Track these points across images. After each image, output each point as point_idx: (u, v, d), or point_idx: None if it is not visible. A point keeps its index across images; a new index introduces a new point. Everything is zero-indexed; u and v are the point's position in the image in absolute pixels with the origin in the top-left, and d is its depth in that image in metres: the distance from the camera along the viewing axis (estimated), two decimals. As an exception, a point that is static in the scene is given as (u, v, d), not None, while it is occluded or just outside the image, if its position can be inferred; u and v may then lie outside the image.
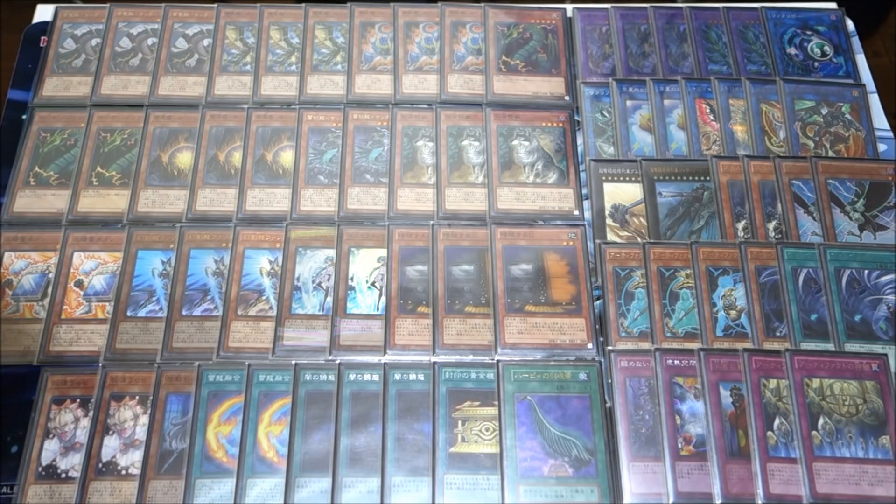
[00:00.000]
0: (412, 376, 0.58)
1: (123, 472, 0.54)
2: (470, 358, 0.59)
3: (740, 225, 0.64)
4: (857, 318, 0.60)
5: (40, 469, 0.54)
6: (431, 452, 0.55)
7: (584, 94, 0.70)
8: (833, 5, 0.77)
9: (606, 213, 0.65)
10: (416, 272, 0.62)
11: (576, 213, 0.65)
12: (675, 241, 0.63)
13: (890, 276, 0.61)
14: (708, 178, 0.66)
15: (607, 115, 0.69)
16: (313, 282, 0.61)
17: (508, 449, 0.55)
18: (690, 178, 0.66)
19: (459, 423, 0.56)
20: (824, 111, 0.70)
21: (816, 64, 0.72)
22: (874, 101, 0.70)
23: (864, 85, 0.71)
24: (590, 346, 0.59)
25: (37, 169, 0.66)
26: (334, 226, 0.63)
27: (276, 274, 0.61)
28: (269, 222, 0.64)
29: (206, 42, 0.72)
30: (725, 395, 0.57)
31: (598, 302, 0.61)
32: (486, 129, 0.68)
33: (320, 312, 0.60)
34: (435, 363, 0.58)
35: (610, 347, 0.59)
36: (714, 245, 0.63)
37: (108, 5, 0.74)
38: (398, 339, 0.59)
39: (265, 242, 0.63)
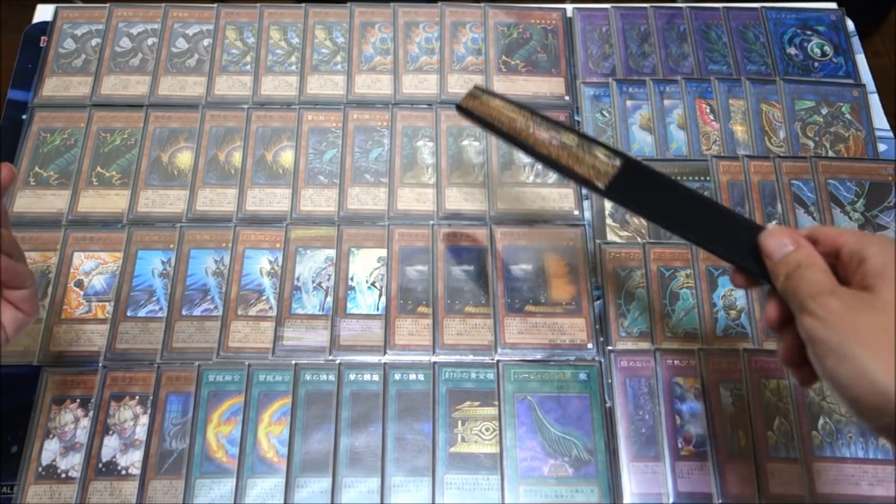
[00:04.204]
0: (412, 376, 0.58)
1: (123, 472, 0.54)
2: (470, 358, 0.59)
3: (740, 225, 0.64)
4: (857, 318, 0.60)
5: (40, 469, 0.54)
6: (431, 452, 0.55)
7: (584, 94, 0.70)
8: (833, 5, 0.77)
9: (606, 213, 0.65)
10: (416, 272, 0.62)
11: (576, 213, 0.65)
12: (676, 241, 0.63)
13: (890, 276, 0.61)
14: (708, 178, 0.66)
15: (607, 115, 0.69)
16: (313, 282, 0.61)
17: (508, 449, 0.55)
18: (690, 178, 0.66)
19: (459, 423, 0.56)
20: (824, 111, 0.70)
21: (816, 64, 0.72)
22: (874, 101, 0.70)
23: (864, 85, 0.71)
24: (590, 346, 0.59)
25: (37, 169, 0.66)
26: (334, 226, 0.63)
27: (276, 274, 0.61)
28: (269, 222, 0.64)
29: (206, 42, 0.72)
30: (725, 395, 0.57)
31: (598, 302, 0.61)
32: (486, 129, 0.68)
33: (320, 312, 0.60)
34: (435, 363, 0.58)
35: (610, 347, 0.59)
36: (714, 245, 0.62)
37: (108, 5, 0.74)
38: (398, 339, 0.59)
39: (265, 242, 0.63)
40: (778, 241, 0.38)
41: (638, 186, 0.44)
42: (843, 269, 0.37)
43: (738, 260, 0.40)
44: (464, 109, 0.51)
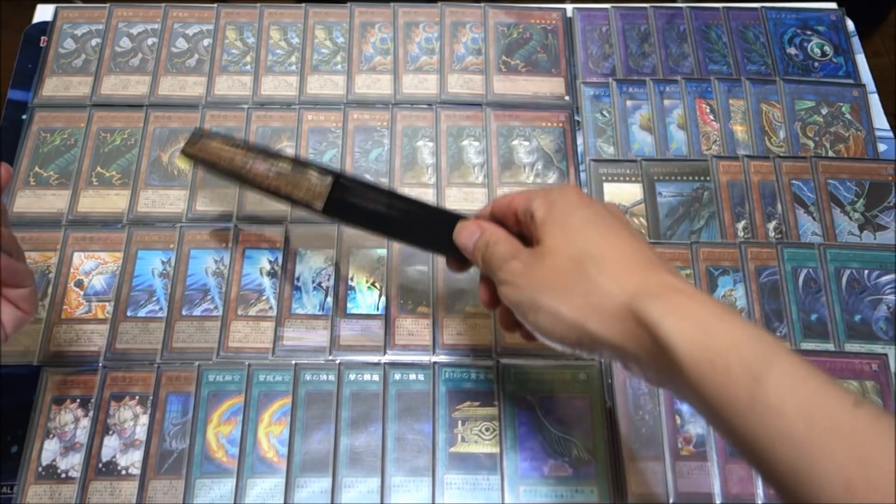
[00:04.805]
0: (412, 376, 0.58)
1: (123, 472, 0.54)
2: (470, 358, 0.59)
3: (740, 225, 0.64)
4: (857, 318, 0.60)
5: (40, 469, 0.54)
6: (431, 452, 0.55)
7: (584, 94, 0.70)
8: (833, 5, 0.77)
9: (606, 213, 0.64)
10: (416, 272, 0.62)
11: (576, 213, 0.64)
12: (675, 241, 0.63)
13: (890, 276, 0.61)
14: (708, 178, 0.66)
15: (607, 115, 0.69)
16: (313, 282, 0.61)
17: (508, 449, 0.55)
18: (690, 178, 0.66)
19: (459, 423, 0.56)
20: (824, 111, 0.70)
21: (816, 64, 0.73)
22: (874, 101, 0.70)
23: (864, 85, 0.71)
24: (590, 346, 0.59)
25: (37, 169, 0.66)
26: (334, 225, 0.63)
27: (276, 274, 0.61)
28: (269, 222, 0.64)
29: (206, 42, 0.72)
30: (725, 395, 0.57)
31: (598, 302, 0.61)
32: (486, 129, 0.68)
33: (320, 312, 0.60)
34: (435, 363, 0.58)
35: (610, 347, 0.59)
36: (714, 245, 0.63)
37: (108, 5, 0.74)
38: (398, 339, 0.59)
39: (265, 242, 0.63)
40: (467, 234, 0.42)
41: (351, 200, 0.46)
42: (526, 230, 0.39)
43: (448, 253, 0.45)
44: (188, 154, 0.50)
